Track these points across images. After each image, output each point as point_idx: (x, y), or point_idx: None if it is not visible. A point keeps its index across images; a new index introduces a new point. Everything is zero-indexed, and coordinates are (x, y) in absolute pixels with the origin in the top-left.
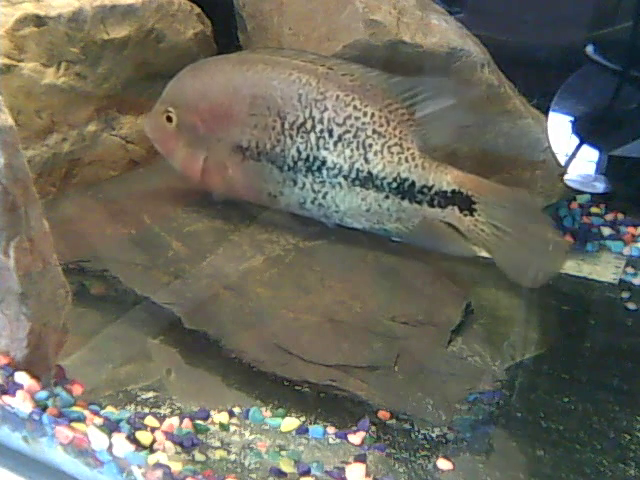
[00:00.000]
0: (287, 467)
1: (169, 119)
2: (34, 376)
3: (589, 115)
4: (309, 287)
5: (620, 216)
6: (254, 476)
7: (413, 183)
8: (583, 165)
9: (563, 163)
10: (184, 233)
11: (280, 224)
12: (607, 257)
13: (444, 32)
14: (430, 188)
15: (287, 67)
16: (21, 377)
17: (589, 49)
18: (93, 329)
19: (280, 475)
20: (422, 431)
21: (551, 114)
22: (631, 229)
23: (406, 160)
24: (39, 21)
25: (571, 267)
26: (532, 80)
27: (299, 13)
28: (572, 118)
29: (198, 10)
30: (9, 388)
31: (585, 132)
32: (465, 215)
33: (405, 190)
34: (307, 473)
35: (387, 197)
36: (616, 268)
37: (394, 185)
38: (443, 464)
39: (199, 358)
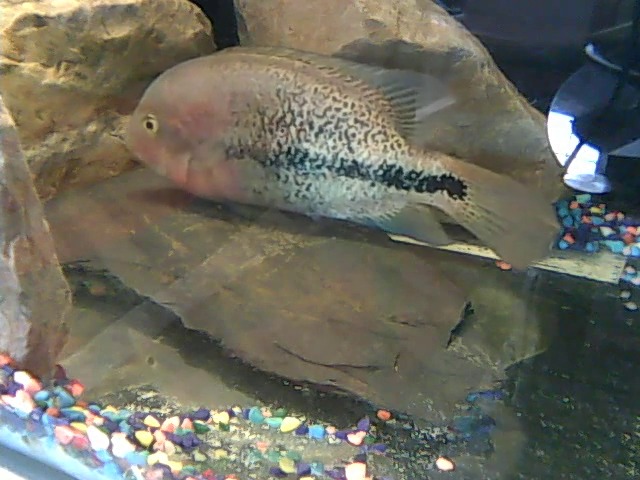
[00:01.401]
0: (287, 467)
1: (149, 125)
2: (34, 376)
3: (589, 115)
4: (309, 287)
5: (620, 216)
6: (254, 476)
7: (400, 169)
8: (583, 165)
9: (563, 163)
10: (184, 233)
11: (280, 224)
12: (607, 257)
13: (444, 32)
14: (419, 174)
15: (264, 63)
16: (21, 377)
17: (589, 49)
18: (93, 329)
19: (280, 475)
20: (422, 431)
21: (551, 114)
22: (631, 229)
23: (392, 147)
24: (39, 21)
25: (571, 267)
26: (532, 80)
27: (299, 13)
28: (572, 118)
29: (198, 10)
30: (9, 388)
31: (585, 132)
32: (455, 199)
33: (392, 177)
34: (307, 473)
35: (373, 184)
36: (616, 268)
37: (380, 172)
38: (443, 464)
39: (199, 358)
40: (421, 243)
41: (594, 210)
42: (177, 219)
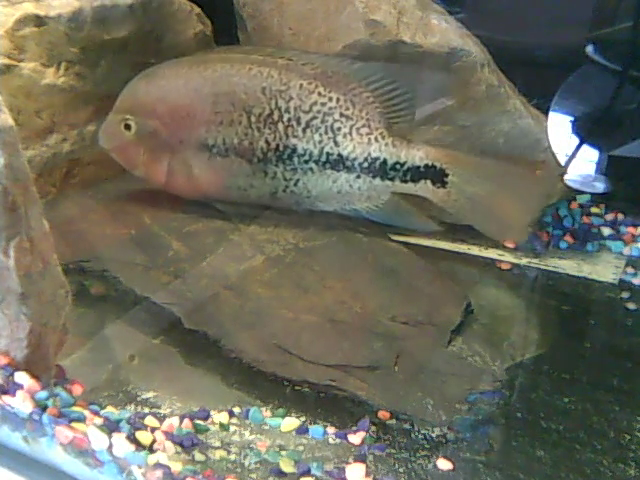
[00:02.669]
0: (287, 467)
1: (127, 127)
2: (34, 376)
3: (589, 115)
4: (309, 287)
5: (620, 216)
6: (254, 476)
7: (385, 161)
8: (583, 165)
9: (563, 163)
10: (184, 233)
11: (280, 224)
12: (607, 257)
13: (444, 32)
14: (403, 164)
15: (246, 62)
16: (21, 377)
17: (589, 49)
18: (93, 329)
19: (280, 475)
20: (422, 431)
21: (551, 114)
22: (631, 229)
23: (376, 140)
24: (39, 21)
25: (571, 267)
26: (532, 80)
27: (299, 13)
28: (572, 118)
29: (198, 10)
30: (9, 388)
31: (585, 132)
32: (438, 187)
33: (377, 168)
34: (307, 473)
35: (358, 177)
36: (616, 268)
37: (365, 165)
38: (443, 464)
39: (199, 358)
40: (422, 243)
41: (594, 210)
42: (177, 219)
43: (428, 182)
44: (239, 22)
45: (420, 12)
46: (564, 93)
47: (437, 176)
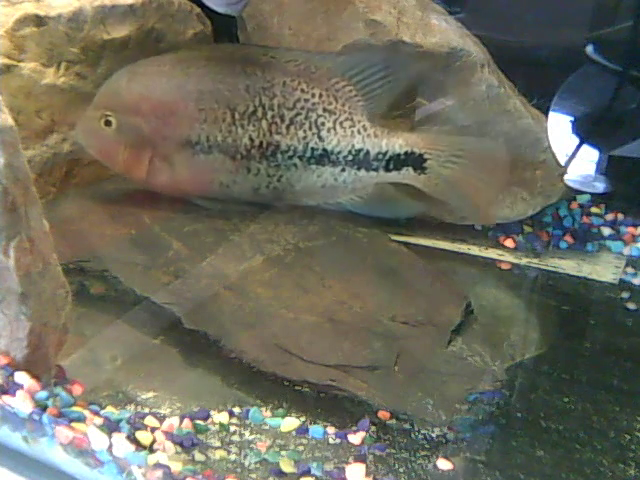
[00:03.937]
0: (287, 467)
1: (107, 123)
2: (34, 376)
3: (589, 115)
4: (309, 287)
5: (620, 216)
6: (254, 476)
7: (368, 152)
8: (583, 165)
9: (563, 163)
10: (184, 233)
11: (280, 224)
12: (607, 257)
13: (444, 32)
14: (385, 154)
15: (230, 60)
16: (21, 377)
17: (589, 49)
18: (93, 329)
19: (280, 475)
20: (422, 431)
21: (551, 114)
22: (631, 229)
23: (358, 132)
24: (39, 21)
25: (571, 267)
26: (532, 80)
27: (299, 13)
28: (572, 118)
29: (198, 10)
30: (9, 388)
31: (585, 132)
32: (419, 174)
33: (361, 160)
34: (307, 473)
35: (343, 170)
36: (616, 268)
37: (349, 157)
38: (443, 464)
39: (199, 358)
40: (422, 243)
41: (594, 210)
42: (177, 219)
43: (410, 169)
44: (239, 22)
45: (420, 12)
46: (564, 93)
47: (417, 162)
